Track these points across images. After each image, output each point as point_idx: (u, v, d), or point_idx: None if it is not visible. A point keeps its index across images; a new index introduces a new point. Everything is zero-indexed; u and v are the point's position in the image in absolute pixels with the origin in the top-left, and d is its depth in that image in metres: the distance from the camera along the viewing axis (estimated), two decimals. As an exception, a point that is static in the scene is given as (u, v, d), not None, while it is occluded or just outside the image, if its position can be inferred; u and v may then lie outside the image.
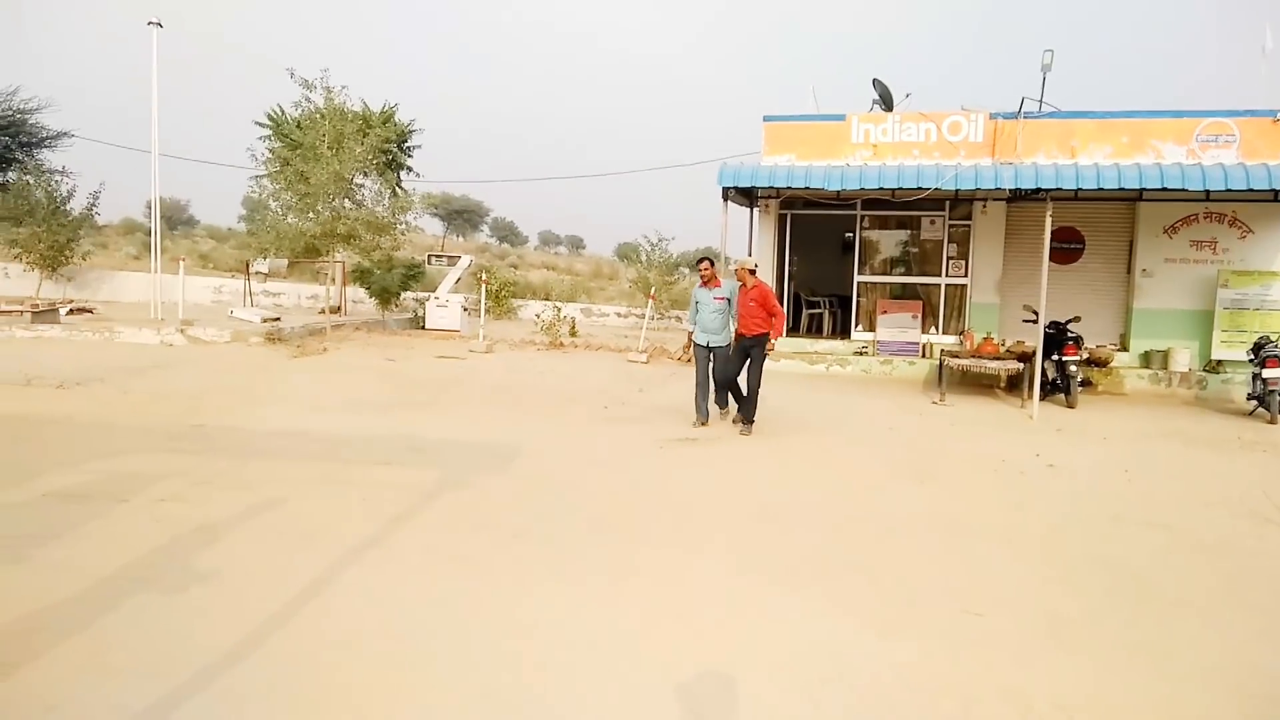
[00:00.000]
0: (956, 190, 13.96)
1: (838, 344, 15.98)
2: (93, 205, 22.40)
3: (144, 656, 3.73)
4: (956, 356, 13.12)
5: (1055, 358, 12.45)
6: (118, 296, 22.67)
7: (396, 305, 21.05)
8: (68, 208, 21.67)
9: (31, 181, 22.01)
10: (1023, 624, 4.50)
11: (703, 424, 9.64)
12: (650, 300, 20.61)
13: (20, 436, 7.69)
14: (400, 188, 22.82)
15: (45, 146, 34.42)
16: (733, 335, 9.83)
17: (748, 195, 15.91)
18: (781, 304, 16.98)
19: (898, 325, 15.59)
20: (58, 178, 22.59)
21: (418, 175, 26.56)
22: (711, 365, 9.83)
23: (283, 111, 23.88)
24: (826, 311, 17.42)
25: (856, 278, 16.11)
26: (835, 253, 18.16)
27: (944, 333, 15.56)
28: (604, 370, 14.57)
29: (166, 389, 10.51)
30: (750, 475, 7.56)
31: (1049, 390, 12.50)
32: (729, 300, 9.67)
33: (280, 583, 4.59)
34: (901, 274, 16.16)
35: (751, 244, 16.94)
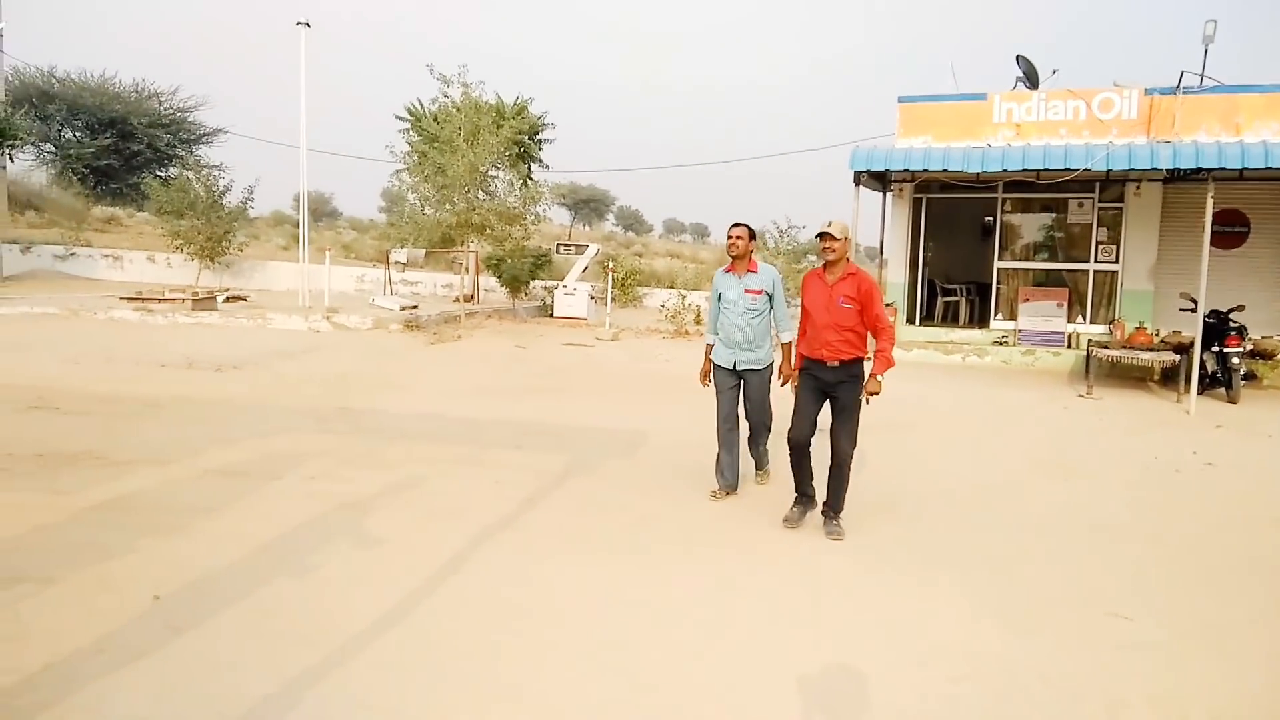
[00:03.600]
0: (1108, 171, 13.20)
1: (975, 333, 15.40)
2: (248, 200, 23.75)
3: (300, 623, 3.96)
4: (1105, 347, 12.43)
5: (1215, 349, 11.63)
6: (269, 285, 24.02)
7: (526, 294, 21.53)
8: (225, 201, 23.05)
9: (192, 177, 23.50)
10: (1174, 630, 4.24)
11: (726, 493, 6.25)
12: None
13: (185, 416, 8.26)
14: (531, 178, 23.31)
15: (203, 143, 37.01)
16: (775, 354, 6.24)
17: (881, 179, 15.50)
18: (916, 293, 16.61)
19: (1041, 314, 14.88)
20: (216, 173, 24.03)
21: (547, 167, 27.11)
22: (744, 401, 6.28)
23: (422, 106, 24.74)
24: (963, 299, 16.81)
25: (997, 264, 15.47)
26: (973, 238, 17.48)
27: (1092, 322, 14.76)
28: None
29: (314, 373, 11.09)
30: (879, 465, 7.38)
31: (1208, 384, 11.70)
32: (770, 296, 6.14)
33: (422, 558, 4.78)
34: (1046, 259, 15.42)
35: (884, 229, 16.51)
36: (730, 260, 6.25)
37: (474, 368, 12.36)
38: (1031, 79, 15.11)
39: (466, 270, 21.41)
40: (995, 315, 15.48)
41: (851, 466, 5.46)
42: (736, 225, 6.17)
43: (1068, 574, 4.96)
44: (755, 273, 6.16)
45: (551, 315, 20.39)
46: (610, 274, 19.89)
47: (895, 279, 16.12)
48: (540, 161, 26.93)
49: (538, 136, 26.57)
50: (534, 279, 21.46)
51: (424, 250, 21.37)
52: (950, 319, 16.66)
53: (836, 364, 5.42)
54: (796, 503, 5.73)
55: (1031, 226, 15.54)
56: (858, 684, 3.61)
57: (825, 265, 5.52)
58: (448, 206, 19.01)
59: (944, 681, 3.65)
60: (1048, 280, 15.24)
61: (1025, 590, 4.70)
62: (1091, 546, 5.47)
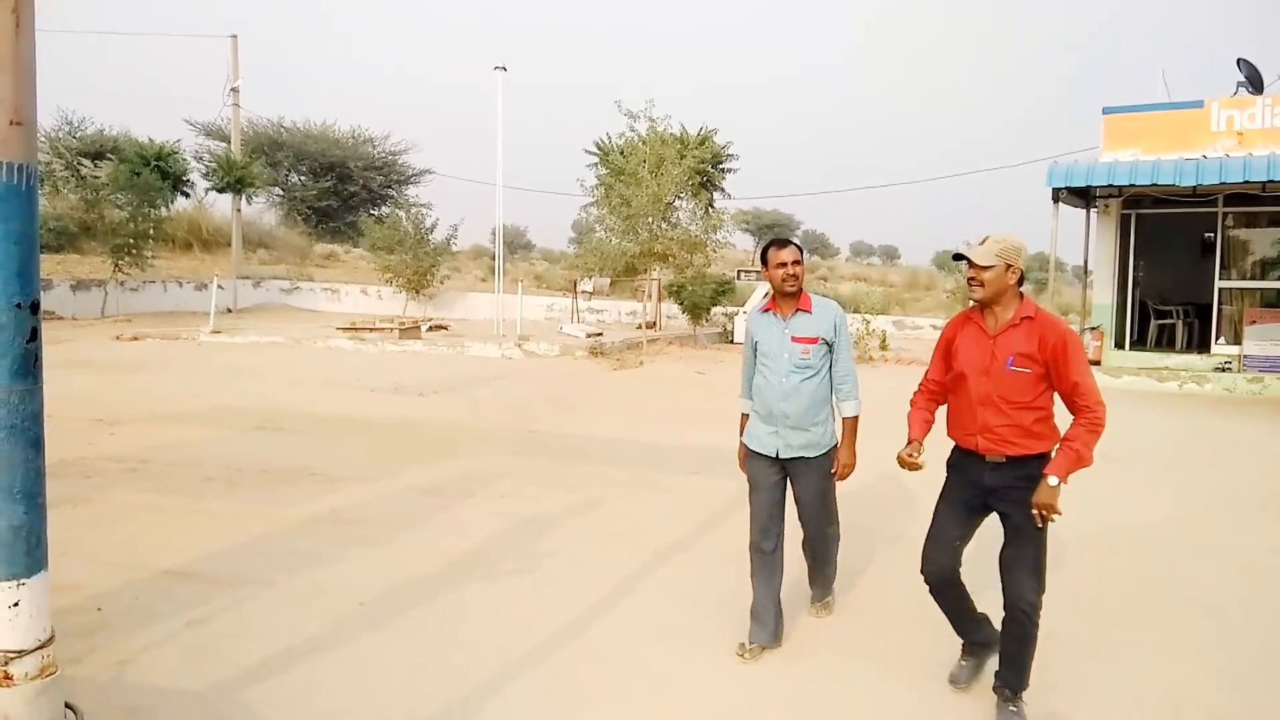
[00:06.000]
0: (1347, 180, 11.93)
1: (1194, 359, 14.19)
2: (452, 237, 25.43)
3: (482, 633, 4.21)
4: (1347, 374, 11.16)
5: None
6: (468, 315, 25.45)
7: (707, 320, 21.72)
8: (431, 237, 24.72)
9: (402, 215, 25.39)
10: None
11: (761, 649, 4.06)
12: (969, 312, 19.54)
13: (391, 437, 8.90)
14: (712, 206, 23.58)
15: (411, 183, 39.85)
16: (835, 436, 4.30)
17: (1083, 195, 14.64)
18: (1126, 315, 15.48)
19: (1271, 337, 13.52)
20: (423, 211, 25.83)
21: (729, 195, 27.34)
22: (796, 504, 4.29)
23: (610, 140, 25.62)
24: (1180, 322, 15.52)
25: (1218, 283, 14.21)
26: (1190, 255, 16.14)
27: (1331, 346, 13.28)
28: (911, 385, 14.04)
29: (506, 398, 11.66)
30: (1080, 500, 6.92)
31: None
32: (829, 346, 4.22)
33: (599, 576, 4.95)
34: (1278, 279, 14.04)
35: (1088, 249, 15.56)
36: (773, 292, 4.24)
37: (654, 393, 12.61)
38: (1255, 84, 13.88)
39: (649, 297, 21.87)
40: (1217, 339, 14.21)
41: (1037, 621, 3.48)
42: (783, 244, 4.18)
43: (1293, 624, 4.51)
44: (809, 313, 4.16)
45: (732, 341, 20.46)
46: (792, 300, 19.73)
47: (1102, 300, 15.14)
48: (722, 190, 27.20)
49: (720, 165, 26.87)
50: (715, 305, 21.64)
51: (609, 279, 22.02)
52: (1165, 343, 15.43)
53: (1001, 460, 3.47)
54: (966, 653, 3.86)
55: (1259, 242, 14.21)
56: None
57: (981, 306, 3.59)
58: (631, 237, 19.54)
59: (1142, 731, 3.41)
60: (1279, 301, 13.86)
61: (1236, 635, 4.32)
62: (1324, 595, 4.94)
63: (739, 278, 22.61)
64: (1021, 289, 3.53)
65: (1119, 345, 14.99)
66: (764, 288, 20.79)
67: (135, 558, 5.07)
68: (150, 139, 24.65)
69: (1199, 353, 14.45)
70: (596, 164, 26.73)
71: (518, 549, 5.46)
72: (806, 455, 4.16)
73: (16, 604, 2.23)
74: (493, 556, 5.32)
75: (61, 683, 2.35)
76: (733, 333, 20.66)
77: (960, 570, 3.70)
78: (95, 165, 25.63)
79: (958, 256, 3.60)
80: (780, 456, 4.17)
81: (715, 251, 20.80)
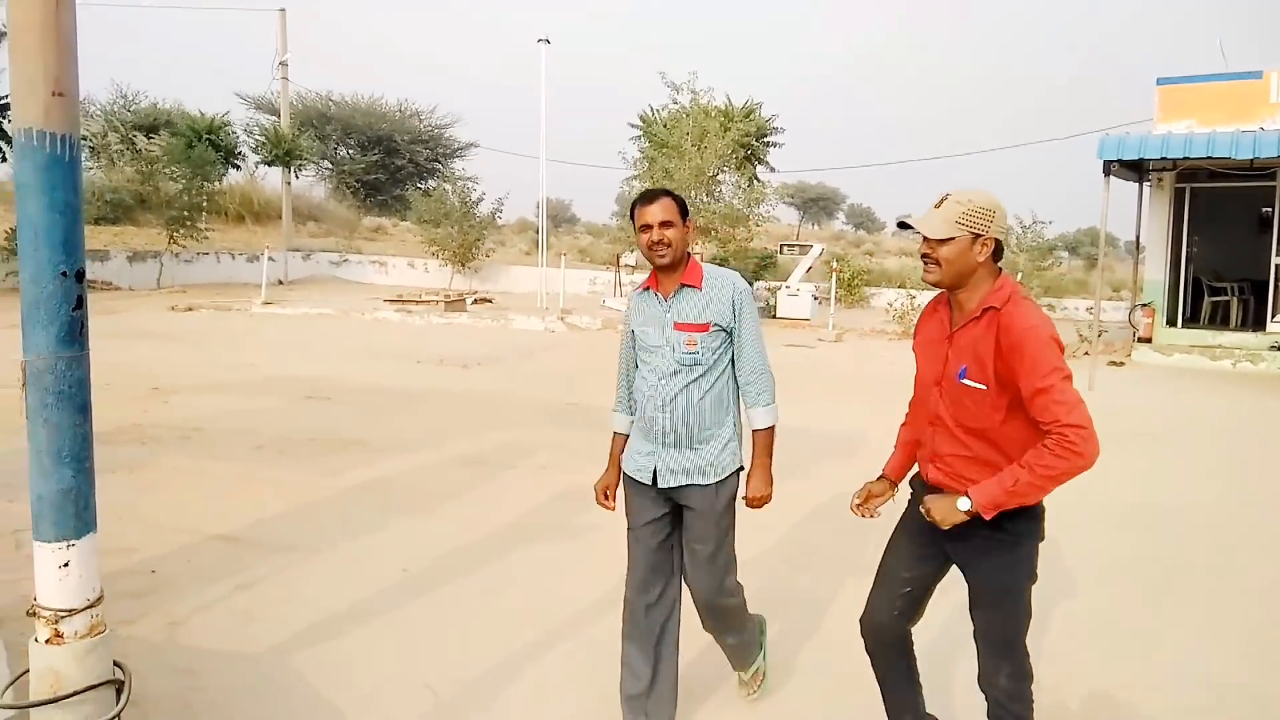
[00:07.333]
0: None
1: (1248, 336, 13.81)
2: (498, 210, 25.55)
3: (526, 601, 4.29)
4: None
5: None
6: (512, 288, 25.59)
7: (750, 294, 21.66)
8: (476, 211, 24.88)
9: (449, 188, 25.56)
10: None
11: None
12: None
13: (435, 408, 9.02)
14: (756, 180, 23.40)
15: (457, 156, 40.03)
16: (739, 456, 3.17)
17: (1135, 169, 14.27)
18: (1179, 292, 15.10)
19: (1331, 315, 13.13)
20: (469, 184, 25.99)
21: (773, 169, 27.07)
22: (685, 547, 3.15)
23: (654, 111, 25.48)
24: (1234, 299, 15.12)
25: (1275, 259, 13.80)
26: (1247, 231, 15.68)
27: (1396, 324, 12.86)
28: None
29: (548, 370, 11.74)
30: (1120, 473, 6.82)
31: None
32: (727, 334, 3.09)
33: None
34: (1338, 254, 13.59)
35: (1140, 224, 15.19)
36: (652, 269, 3.14)
37: (697, 367, 12.61)
38: (1322, 49, 13.35)
39: (692, 272, 21.84)
40: (1273, 317, 13.81)
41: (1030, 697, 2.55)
42: (650, 198, 3.03)
43: (1344, 608, 4.41)
44: (698, 290, 3.06)
45: (774, 316, 20.35)
46: (835, 274, 19.58)
47: (1154, 276, 14.81)
48: (766, 163, 26.94)
49: (765, 139, 26.60)
50: (757, 279, 21.54)
51: (652, 253, 21.97)
52: (1219, 321, 15.04)
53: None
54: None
55: (1321, 217, 13.75)
56: (1110, 706, 3.42)
57: (946, 295, 2.60)
58: (674, 210, 19.51)
59: (1180, 711, 3.38)
60: (1340, 277, 13.43)
61: (1286, 622, 4.24)
62: (1378, 579, 4.83)
63: (781, 252, 22.43)
64: (999, 264, 2.51)
65: (1170, 323, 14.66)
66: (806, 262, 20.58)
67: (188, 522, 5.22)
68: (202, 112, 25.03)
69: (1254, 330, 14.07)
70: (639, 136, 26.62)
71: (559, 519, 5.53)
72: (697, 483, 3.06)
73: (66, 564, 2.31)
74: (534, 526, 5.39)
75: (111, 641, 2.44)
76: (775, 307, 20.56)
77: (910, 633, 2.77)
78: (149, 138, 26.14)
79: (903, 225, 2.68)
80: (659, 484, 3.08)
81: (758, 225, 20.66)
